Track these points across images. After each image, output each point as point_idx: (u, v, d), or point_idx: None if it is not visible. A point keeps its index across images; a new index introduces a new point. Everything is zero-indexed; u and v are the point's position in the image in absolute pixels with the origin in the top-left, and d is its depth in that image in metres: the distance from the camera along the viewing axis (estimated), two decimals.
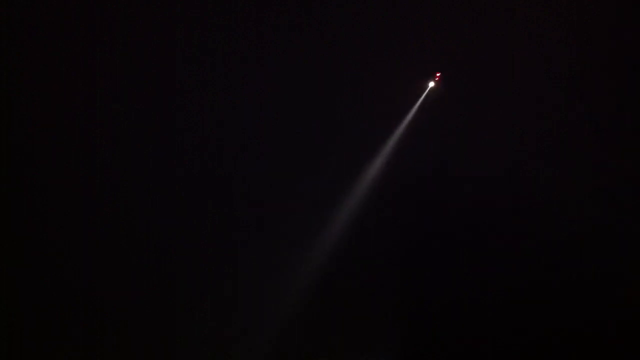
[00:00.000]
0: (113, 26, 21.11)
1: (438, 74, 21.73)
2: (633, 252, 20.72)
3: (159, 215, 21.35)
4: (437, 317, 21.14)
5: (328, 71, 21.65)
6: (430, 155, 21.97)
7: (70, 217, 20.76)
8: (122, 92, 21.41)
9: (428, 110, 21.94)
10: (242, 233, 21.92)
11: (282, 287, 21.31)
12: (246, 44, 21.99)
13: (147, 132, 21.61)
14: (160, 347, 20.17)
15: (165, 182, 21.67)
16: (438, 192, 21.88)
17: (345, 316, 21.34)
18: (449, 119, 21.80)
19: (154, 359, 20.08)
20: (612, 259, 20.77)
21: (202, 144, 22.07)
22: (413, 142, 22.02)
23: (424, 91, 21.82)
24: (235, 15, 21.81)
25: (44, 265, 20.21)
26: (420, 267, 21.69)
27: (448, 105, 21.73)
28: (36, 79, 20.60)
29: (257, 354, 20.59)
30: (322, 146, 22.06)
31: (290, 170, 22.07)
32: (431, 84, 21.85)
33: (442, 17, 21.35)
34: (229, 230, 21.79)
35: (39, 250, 20.27)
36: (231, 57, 21.99)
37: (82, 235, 20.71)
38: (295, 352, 20.77)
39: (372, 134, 22.19)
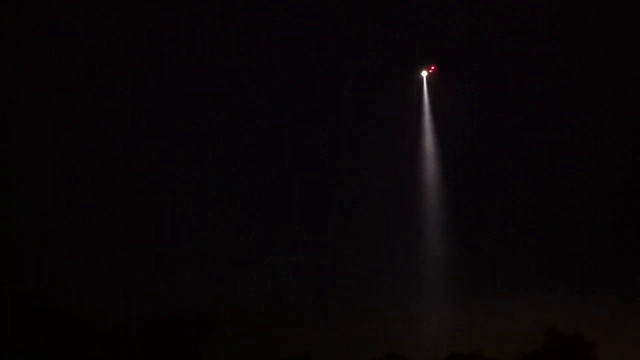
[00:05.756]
0: (113, 26, 21.25)
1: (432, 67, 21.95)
2: None
3: (159, 215, 21.49)
4: None
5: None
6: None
7: (70, 216, 20.90)
8: (124, 92, 21.57)
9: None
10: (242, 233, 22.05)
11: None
12: (250, 48, 22.19)
13: (147, 132, 21.79)
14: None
15: (165, 182, 21.80)
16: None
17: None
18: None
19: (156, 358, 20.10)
20: None
21: (205, 147, 22.26)
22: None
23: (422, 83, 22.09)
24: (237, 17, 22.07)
25: (44, 264, 20.34)
26: None
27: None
28: (36, 78, 20.77)
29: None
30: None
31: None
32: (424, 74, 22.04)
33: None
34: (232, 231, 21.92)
35: (38, 249, 20.38)
36: (234, 60, 22.18)
37: (82, 234, 20.84)
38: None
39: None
